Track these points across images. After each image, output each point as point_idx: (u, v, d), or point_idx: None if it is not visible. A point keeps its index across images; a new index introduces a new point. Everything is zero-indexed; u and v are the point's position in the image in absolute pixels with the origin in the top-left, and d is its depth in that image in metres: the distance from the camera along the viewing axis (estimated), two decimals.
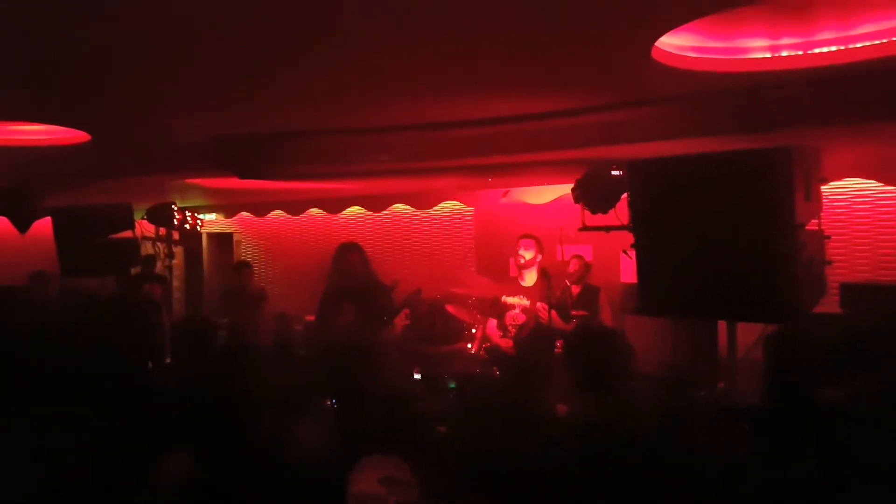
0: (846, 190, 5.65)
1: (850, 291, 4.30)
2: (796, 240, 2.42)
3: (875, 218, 5.61)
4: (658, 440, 2.00)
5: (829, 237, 3.04)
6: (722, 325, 3.20)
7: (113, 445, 1.88)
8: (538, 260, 5.17)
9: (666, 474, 1.82)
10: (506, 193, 7.06)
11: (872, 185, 5.54)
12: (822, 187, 3.03)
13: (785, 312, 2.43)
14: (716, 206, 2.52)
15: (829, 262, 2.97)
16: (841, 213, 5.62)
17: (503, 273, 6.51)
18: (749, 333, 2.95)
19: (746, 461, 2.09)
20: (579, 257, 5.84)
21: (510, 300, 5.17)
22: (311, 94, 3.95)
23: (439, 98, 4.08)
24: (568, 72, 3.53)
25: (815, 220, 2.89)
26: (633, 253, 2.94)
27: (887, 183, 5.41)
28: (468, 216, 7.73)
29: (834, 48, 3.37)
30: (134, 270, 6.25)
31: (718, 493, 1.88)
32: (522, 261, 5.13)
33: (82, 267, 5.83)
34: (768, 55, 3.47)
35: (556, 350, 5.10)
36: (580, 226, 4.01)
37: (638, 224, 2.76)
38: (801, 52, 3.43)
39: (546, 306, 4.81)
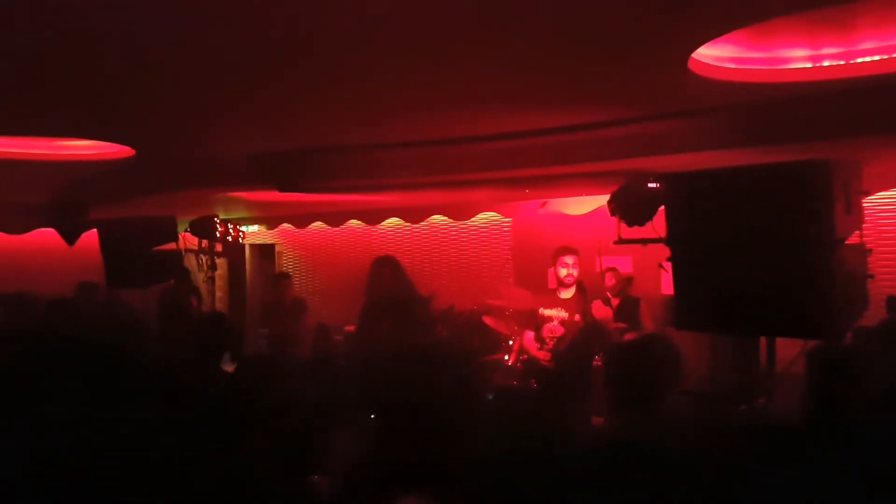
0: (892, 201, 5.49)
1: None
2: (835, 254, 2.37)
3: None
4: (698, 456, 1.98)
5: (870, 251, 2.97)
6: (762, 340, 3.15)
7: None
8: (577, 273, 5.17)
9: (705, 492, 1.80)
10: (544, 204, 7.04)
11: None
12: (865, 199, 2.97)
13: (824, 328, 2.38)
14: (753, 220, 2.48)
15: (872, 276, 2.90)
16: (888, 225, 5.46)
17: (541, 284, 6.49)
18: (788, 348, 2.90)
19: (789, 481, 2.06)
20: (614, 270, 5.79)
21: (548, 312, 5.16)
22: (350, 109, 4.03)
23: (475, 112, 4.12)
24: (605, 85, 3.53)
25: (857, 234, 2.83)
26: (668, 266, 2.91)
27: None
28: (506, 227, 7.73)
29: (876, 58, 3.30)
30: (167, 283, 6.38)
31: None
32: (564, 272, 5.12)
33: (127, 278, 6.00)
34: (809, 65, 3.42)
35: (594, 363, 5.07)
36: (617, 238, 3.99)
37: (674, 237, 2.73)
38: (842, 62, 3.38)
39: (608, 308, 4.80)
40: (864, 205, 2.93)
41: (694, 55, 3.08)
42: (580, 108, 4.07)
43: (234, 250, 8.56)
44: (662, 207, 2.99)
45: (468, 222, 7.92)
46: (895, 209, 5.50)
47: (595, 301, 4.92)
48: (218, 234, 6.85)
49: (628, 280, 5.66)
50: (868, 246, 2.99)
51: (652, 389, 2.66)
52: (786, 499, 2.08)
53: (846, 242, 2.58)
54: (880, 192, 5.24)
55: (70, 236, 7.32)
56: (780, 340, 3.01)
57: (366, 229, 8.64)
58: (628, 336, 5.12)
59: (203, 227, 6.73)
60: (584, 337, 4.89)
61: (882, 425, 2.01)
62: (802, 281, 2.37)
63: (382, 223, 8.39)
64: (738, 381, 4.15)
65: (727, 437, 2.60)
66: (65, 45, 2.76)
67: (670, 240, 2.79)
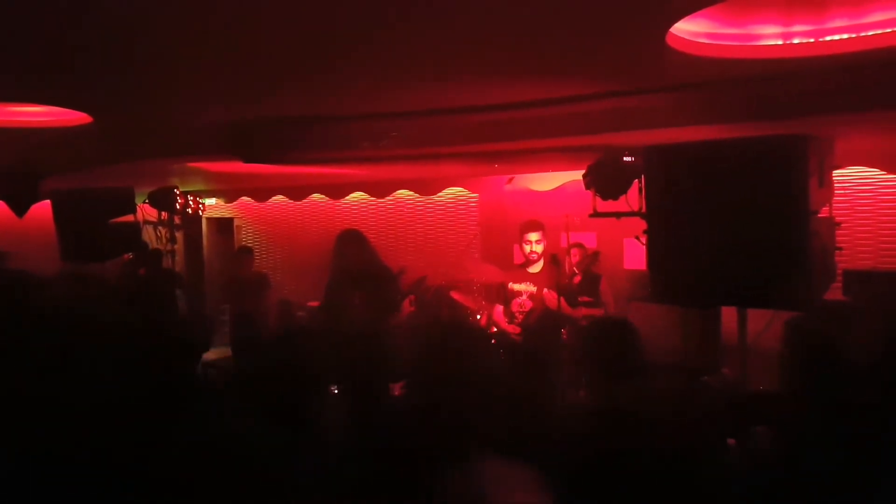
0: (849, 178, 5.68)
1: (853, 278, 4.35)
2: (810, 227, 2.43)
3: (877, 206, 5.65)
4: (671, 424, 2.01)
5: (839, 224, 3.06)
6: (729, 312, 3.22)
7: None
8: (543, 247, 5.21)
9: (679, 458, 1.84)
10: (510, 180, 7.06)
11: (875, 173, 5.57)
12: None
13: (799, 299, 2.45)
14: (731, 193, 2.53)
15: (840, 249, 3.00)
16: (843, 201, 5.65)
17: (508, 260, 6.53)
18: (755, 321, 2.98)
19: (765, 449, 2.12)
20: (580, 246, 5.86)
21: (517, 287, 5.20)
22: (317, 79, 3.92)
23: (448, 83, 4.06)
24: (581, 58, 3.51)
25: (826, 207, 2.91)
26: (644, 239, 2.94)
27: (890, 171, 5.43)
28: (473, 203, 7.73)
29: (845, 36, 3.36)
30: (126, 257, 6.19)
31: (738, 480, 1.90)
32: (529, 248, 5.15)
33: (82, 251, 5.80)
34: (780, 42, 3.46)
35: (562, 337, 5.14)
36: (588, 212, 4.01)
37: (652, 210, 2.77)
38: (812, 40, 3.43)
39: (555, 294, 4.84)
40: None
41: (672, 30, 3.08)
42: (556, 82, 4.05)
43: (191, 224, 8.37)
44: (636, 182, 3.02)
45: (434, 197, 7.89)
46: (851, 185, 5.70)
47: (547, 290, 4.99)
48: (177, 206, 6.67)
49: (595, 255, 5.73)
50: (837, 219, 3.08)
51: (620, 365, 2.72)
52: (759, 465, 2.14)
53: (818, 215, 2.65)
54: (839, 169, 5.41)
55: (19, 208, 7.03)
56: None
57: (329, 203, 8.53)
58: (586, 311, 5.18)
59: (162, 199, 6.55)
60: (552, 311, 4.95)
61: (858, 394, 2.08)
62: (778, 253, 2.43)
63: (347, 197, 8.29)
64: (702, 352, 4.26)
65: (696, 405, 2.66)
66: (16, 2, 2.60)
67: (647, 213, 2.82)
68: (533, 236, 5.16)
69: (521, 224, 5.36)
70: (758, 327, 2.99)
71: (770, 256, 2.44)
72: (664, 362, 4.14)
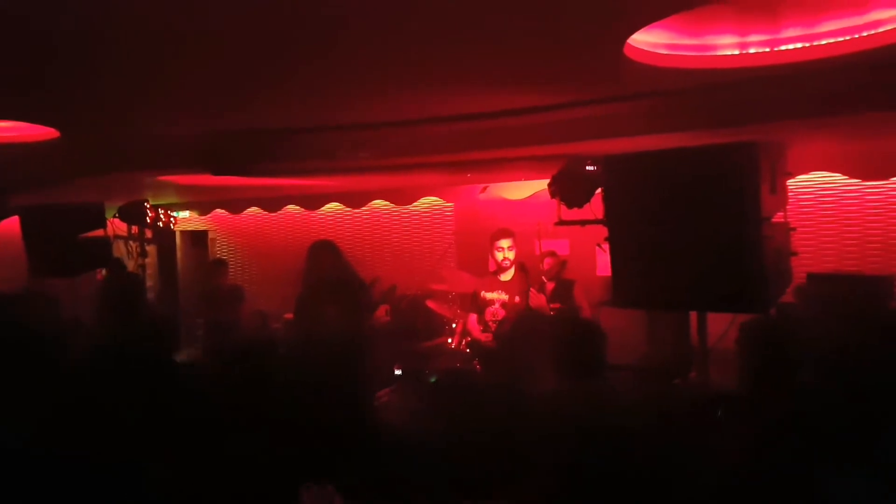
0: (813, 183, 5.81)
1: (817, 281, 4.44)
2: (763, 232, 2.49)
3: (840, 210, 5.78)
4: (638, 428, 2.06)
5: (794, 229, 3.13)
6: (693, 316, 3.28)
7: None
8: (514, 255, 5.25)
9: (646, 461, 1.87)
10: (484, 189, 7.12)
11: (838, 178, 5.70)
12: (789, 181, 3.12)
13: (754, 302, 2.51)
14: (686, 200, 2.59)
15: (795, 254, 3.07)
16: (807, 206, 5.78)
17: (483, 268, 6.56)
18: (717, 324, 3.04)
19: (727, 447, 2.16)
20: (553, 254, 5.91)
21: (489, 295, 5.23)
22: (289, 90, 3.95)
23: (417, 95, 4.11)
24: (543, 68, 3.58)
25: (781, 213, 2.98)
26: (607, 246, 2.99)
27: (852, 176, 5.56)
28: (448, 212, 7.77)
29: (799, 45, 3.46)
30: (99, 274, 6.13)
31: (700, 479, 1.94)
32: (501, 256, 5.18)
33: (52, 267, 5.73)
34: (737, 52, 3.55)
35: (535, 344, 5.17)
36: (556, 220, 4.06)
37: (612, 218, 2.82)
38: (767, 49, 3.52)
39: (543, 297, 4.88)
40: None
41: (629, 41, 3.15)
42: (520, 93, 4.12)
43: (165, 237, 8.29)
44: (600, 190, 3.07)
45: (410, 207, 7.92)
46: (815, 190, 5.83)
47: (530, 289, 5.02)
48: (148, 220, 6.61)
49: (563, 263, 5.79)
50: (792, 225, 3.15)
51: (581, 362, 2.78)
52: (723, 463, 2.19)
53: (772, 221, 2.71)
54: (802, 175, 5.53)
55: None
56: (709, 317, 3.16)
57: (305, 214, 8.52)
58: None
59: (132, 213, 6.47)
60: (525, 319, 4.98)
61: (811, 392, 2.14)
62: (732, 257, 2.48)
63: (322, 208, 8.29)
64: (673, 356, 4.31)
65: (664, 408, 2.70)
66: None
67: (607, 220, 2.87)
68: (504, 243, 5.19)
69: (491, 232, 5.40)
70: (719, 330, 3.05)
71: (724, 261, 2.49)
72: (635, 366, 4.19)
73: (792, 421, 2.15)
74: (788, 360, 2.31)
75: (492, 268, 5.57)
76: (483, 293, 5.28)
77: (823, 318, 3.33)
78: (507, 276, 5.22)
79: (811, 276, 4.52)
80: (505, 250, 5.18)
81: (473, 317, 5.37)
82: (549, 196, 4.47)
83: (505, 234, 5.23)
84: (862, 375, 2.24)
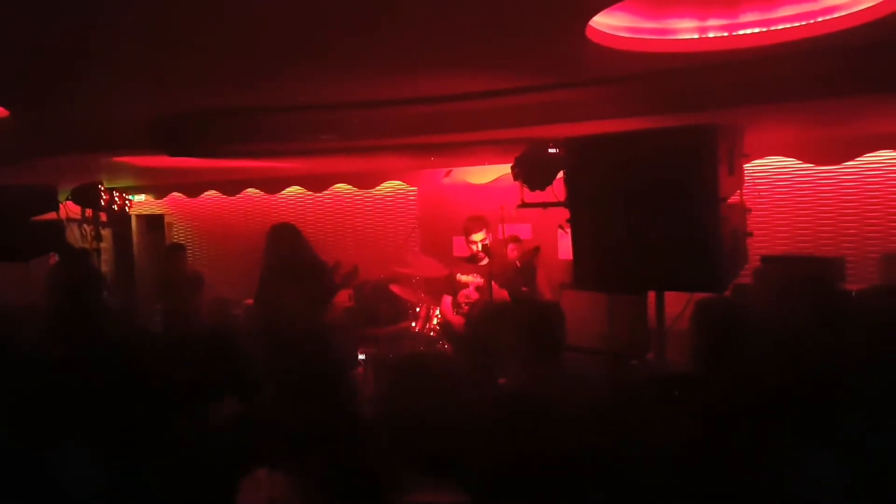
0: (768, 168, 5.94)
1: (770, 263, 4.56)
2: (720, 212, 2.54)
3: (793, 194, 5.94)
4: (596, 407, 2.08)
5: (750, 210, 3.20)
6: (651, 297, 3.34)
7: None
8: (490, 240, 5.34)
9: (599, 442, 1.90)
10: (448, 174, 7.11)
11: (792, 162, 5.84)
12: (745, 165, 3.18)
13: (710, 282, 2.56)
14: (645, 182, 2.62)
15: (750, 234, 3.14)
16: (762, 190, 5.92)
17: (448, 253, 6.57)
18: (674, 305, 3.09)
19: (685, 426, 2.21)
20: (516, 239, 5.94)
21: (465, 278, 5.34)
22: (248, 68, 3.85)
23: (378, 76, 4.06)
24: (504, 51, 3.57)
25: (738, 194, 3.04)
26: (569, 228, 3.02)
27: (805, 161, 5.71)
28: (411, 196, 7.74)
29: (757, 30, 3.52)
30: (52, 259, 5.96)
31: (659, 460, 1.97)
32: (478, 248, 5.28)
33: (2, 251, 5.55)
34: (696, 36, 3.59)
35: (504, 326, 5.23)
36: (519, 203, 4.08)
37: (573, 200, 2.84)
38: (725, 34, 3.57)
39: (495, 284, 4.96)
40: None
41: (591, 23, 3.16)
42: (484, 76, 4.10)
43: (120, 221, 8.08)
44: (562, 173, 3.09)
45: (373, 191, 7.87)
46: (769, 174, 5.97)
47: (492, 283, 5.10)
48: (102, 203, 6.44)
49: (535, 250, 5.83)
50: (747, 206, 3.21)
51: (541, 344, 2.81)
52: (681, 442, 2.22)
53: (728, 202, 2.76)
54: (758, 159, 5.65)
55: None
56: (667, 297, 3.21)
57: (265, 198, 8.39)
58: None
59: (86, 195, 6.29)
60: (497, 301, 5.03)
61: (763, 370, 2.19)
62: (689, 238, 2.53)
63: (283, 192, 8.18)
64: (631, 338, 4.38)
65: (622, 389, 2.74)
66: None
67: (569, 202, 2.89)
68: (478, 236, 5.30)
69: (465, 222, 5.43)
70: (674, 311, 3.10)
71: (682, 242, 2.54)
72: (594, 347, 4.25)
73: (744, 399, 2.20)
74: (741, 339, 2.37)
75: (458, 252, 5.60)
76: (458, 276, 5.37)
77: (777, 298, 3.42)
78: (484, 261, 5.31)
79: (765, 259, 4.64)
80: (479, 242, 5.29)
81: (448, 299, 5.43)
82: (511, 180, 4.50)
83: (480, 224, 5.31)
84: (814, 354, 2.30)
